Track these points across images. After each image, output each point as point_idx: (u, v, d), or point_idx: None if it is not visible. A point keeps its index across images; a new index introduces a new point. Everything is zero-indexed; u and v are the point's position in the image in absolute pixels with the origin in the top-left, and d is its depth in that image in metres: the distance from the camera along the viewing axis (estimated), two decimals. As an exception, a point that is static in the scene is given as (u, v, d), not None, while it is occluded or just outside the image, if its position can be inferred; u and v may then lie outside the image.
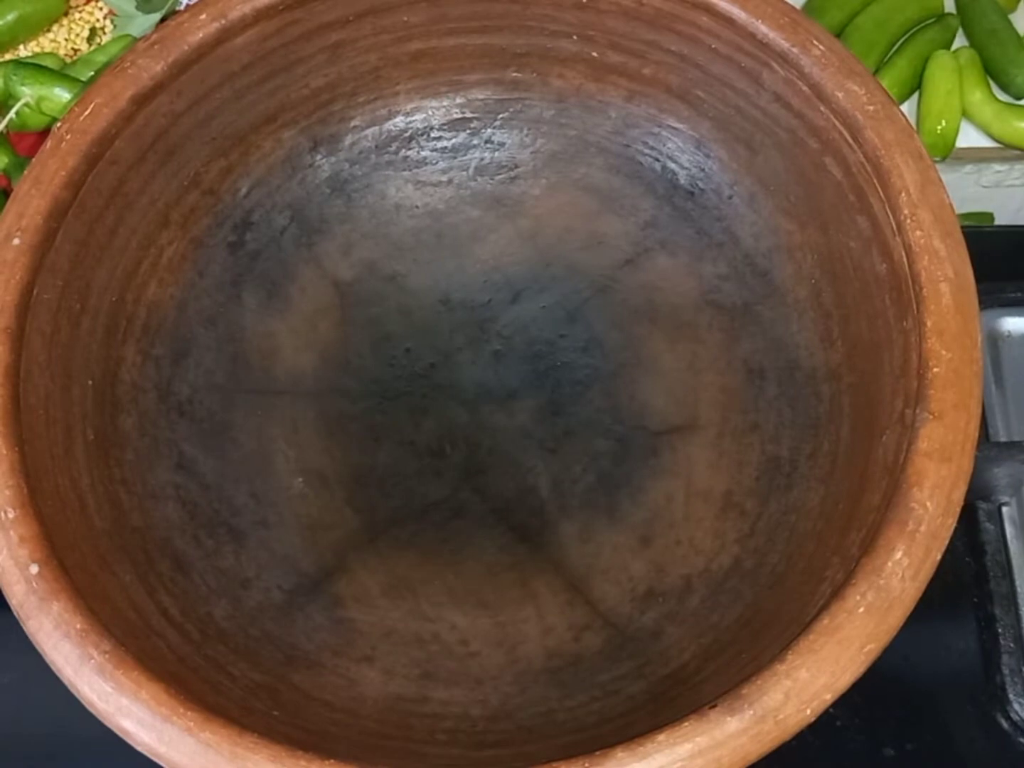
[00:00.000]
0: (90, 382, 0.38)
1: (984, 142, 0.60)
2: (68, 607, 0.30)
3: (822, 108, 0.38)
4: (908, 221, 0.34)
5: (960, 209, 0.44)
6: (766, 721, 0.28)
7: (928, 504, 0.31)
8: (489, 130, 0.47)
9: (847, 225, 0.39)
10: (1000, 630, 0.44)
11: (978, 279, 0.34)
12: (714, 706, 0.28)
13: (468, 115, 0.47)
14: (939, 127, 0.58)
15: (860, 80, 0.37)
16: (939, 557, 0.30)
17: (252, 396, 0.44)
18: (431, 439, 0.44)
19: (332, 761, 0.28)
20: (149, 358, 0.41)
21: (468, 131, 0.47)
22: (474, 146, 0.47)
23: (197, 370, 0.43)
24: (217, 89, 0.41)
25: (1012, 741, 0.43)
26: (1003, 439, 0.48)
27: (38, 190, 0.36)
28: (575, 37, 0.44)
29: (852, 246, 0.39)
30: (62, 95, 0.53)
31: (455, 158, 0.47)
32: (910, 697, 0.44)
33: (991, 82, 0.60)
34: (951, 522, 0.31)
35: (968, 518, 0.46)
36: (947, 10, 0.62)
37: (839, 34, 0.61)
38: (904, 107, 0.60)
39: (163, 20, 0.57)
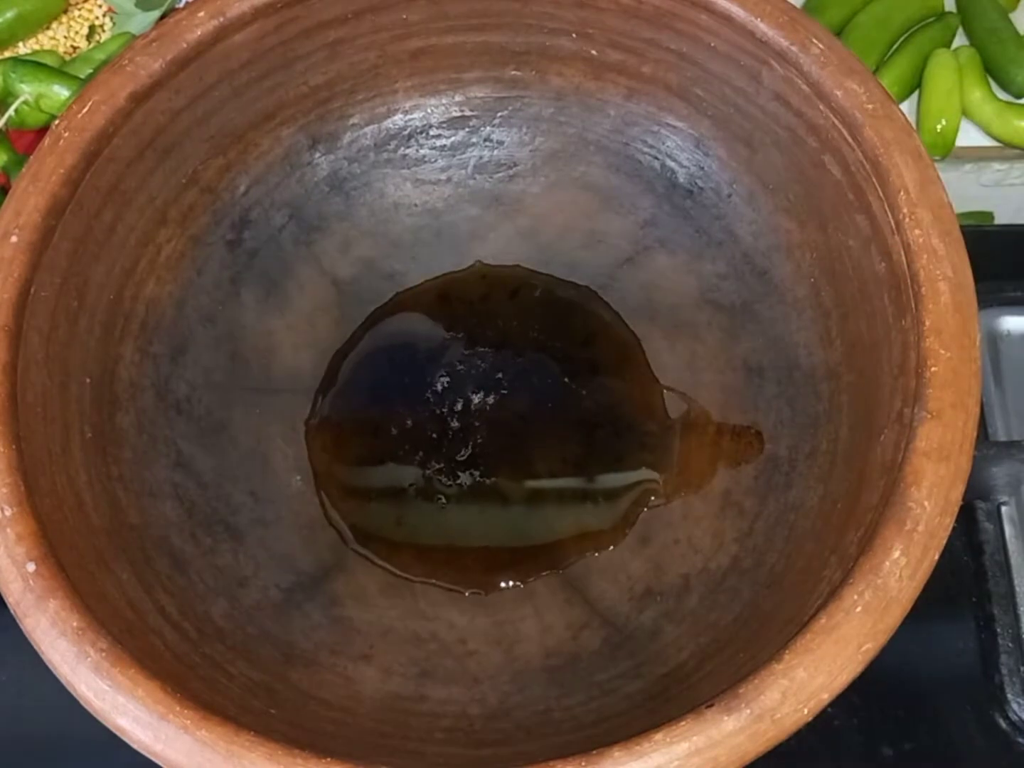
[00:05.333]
0: (88, 380, 0.38)
1: (984, 141, 0.60)
2: (65, 605, 0.30)
3: (821, 106, 0.38)
4: (907, 220, 0.34)
5: (960, 208, 0.44)
6: (763, 720, 0.28)
7: (926, 503, 0.31)
8: (488, 128, 0.47)
9: (846, 224, 0.39)
10: (999, 630, 0.44)
11: (977, 278, 0.34)
12: (711, 705, 0.28)
13: (467, 113, 0.47)
14: (939, 126, 0.58)
15: (859, 79, 0.37)
16: (937, 556, 0.30)
17: (250, 394, 0.44)
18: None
19: (329, 759, 0.28)
20: (147, 356, 0.41)
21: (467, 129, 0.47)
22: (473, 144, 0.47)
23: (195, 368, 0.43)
24: (215, 87, 0.41)
25: (1010, 741, 0.43)
26: (1002, 438, 0.48)
27: (36, 187, 0.36)
28: (574, 35, 0.44)
29: (851, 245, 0.39)
30: (61, 92, 0.53)
31: (454, 156, 0.47)
32: (908, 697, 0.44)
33: (991, 81, 0.60)
34: (949, 521, 0.31)
35: (967, 517, 0.46)
36: (947, 9, 0.62)
37: (839, 32, 0.61)
38: (904, 106, 0.60)
39: (162, 18, 0.57)
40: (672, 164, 0.45)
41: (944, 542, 0.31)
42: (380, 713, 0.36)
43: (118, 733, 0.29)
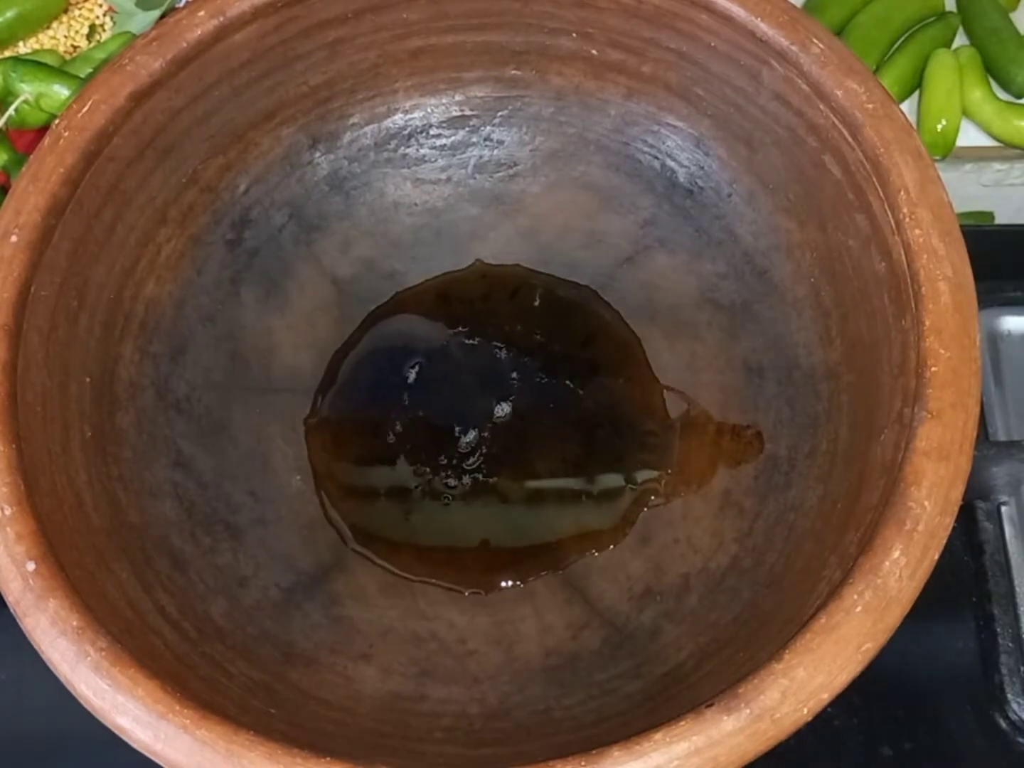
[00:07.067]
0: (88, 379, 0.38)
1: (984, 141, 0.60)
2: (64, 604, 0.30)
3: (821, 106, 0.38)
4: (907, 220, 0.34)
5: (960, 208, 0.44)
6: (763, 720, 0.28)
7: (926, 503, 0.31)
8: (488, 128, 0.47)
9: (846, 223, 0.39)
10: (999, 629, 0.44)
11: (977, 278, 0.34)
12: (711, 705, 0.28)
13: (467, 113, 0.47)
14: (939, 126, 0.58)
15: (859, 78, 0.37)
16: (937, 556, 0.30)
17: (250, 394, 0.44)
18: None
19: (329, 759, 0.28)
20: (147, 356, 0.41)
21: (467, 129, 0.47)
22: (473, 144, 0.47)
23: (195, 368, 0.43)
24: (215, 86, 0.41)
25: (1010, 741, 0.43)
26: (1002, 438, 0.48)
27: (36, 187, 0.36)
28: (574, 35, 0.44)
29: (851, 244, 0.39)
30: (61, 92, 0.53)
31: (454, 156, 0.47)
32: (908, 697, 0.44)
33: (991, 81, 0.60)
34: (949, 521, 0.31)
35: (967, 517, 0.46)
36: (948, 8, 0.62)
37: (839, 32, 0.61)
38: (904, 105, 0.60)
39: (162, 17, 0.57)
40: (672, 164, 0.45)
41: (944, 542, 0.31)
42: (380, 713, 0.36)
43: (118, 732, 0.29)
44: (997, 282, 0.51)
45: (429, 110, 0.47)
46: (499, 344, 0.46)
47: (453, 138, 0.47)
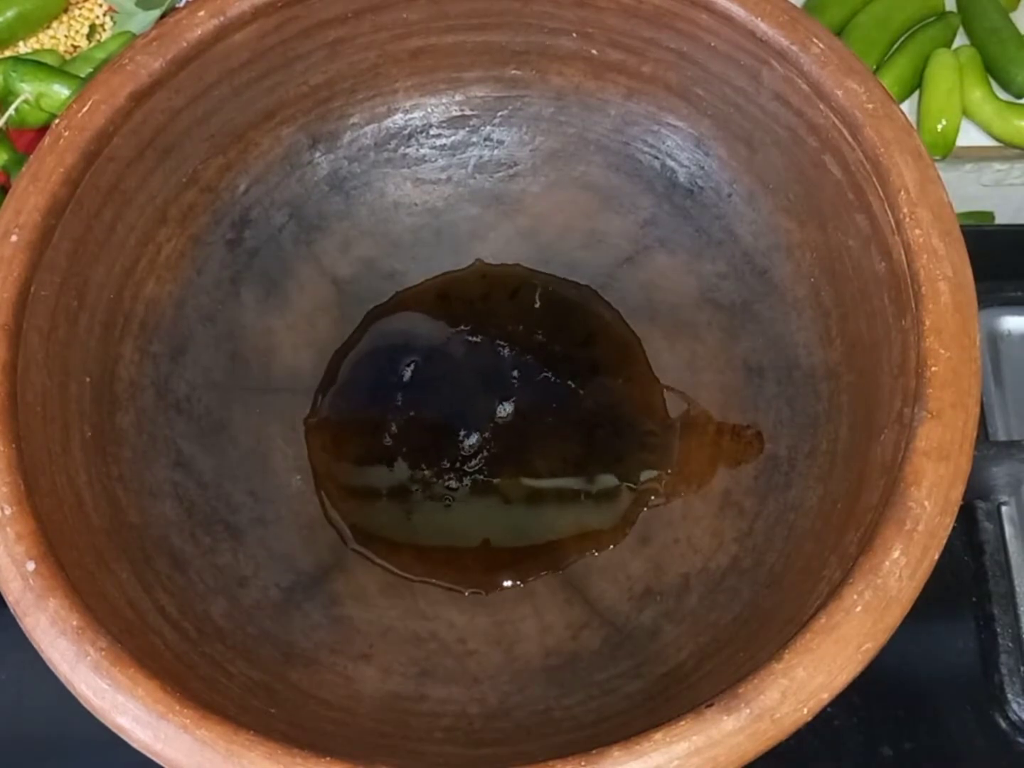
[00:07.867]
0: (88, 379, 0.38)
1: (984, 141, 0.60)
2: (64, 604, 0.30)
3: (821, 106, 0.38)
4: (907, 220, 0.34)
5: (960, 208, 0.44)
6: (763, 720, 0.28)
7: (926, 503, 0.31)
8: (488, 128, 0.47)
9: (846, 223, 0.39)
10: (999, 629, 0.44)
11: (978, 278, 0.34)
12: (711, 705, 0.28)
13: (467, 112, 0.47)
14: (939, 126, 0.58)
15: (859, 78, 0.37)
16: (937, 556, 0.30)
17: (250, 394, 0.44)
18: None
19: (329, 759, 0.28)
20: (147, 355, 0.41)
21: (467, 128, 0.47)
22: (473, 144, 0.47)
23: (195, 368, 0.43)
24: (215, 86, 0.41)
25: (1010, 740, 0.43)
26: (1002, 438, 0.48)
27: (36, 187, 0.36)
28: (574, 35, 0.44)
29: (851, 244, 0.39)
30: (61, 91, 0.53)
31: (454, 156, 0.47)
32: (908, 697, 0.44)
33: (992, 81, 0.60)
34: (949, 521, 0.31)
35: (967, 517, 0.46)
36: (948, 8, 0.62)
37: (839, 32, 0.61)
38: (904, 105, 0.60)
39: (163, 17, 0.57)
40: (672, 164, 0.45)
41: (944, 542, 0.31)
42: (380, 713, 0.36)
43: (118, 732, 0.29)
44: (997, 282, 0.51)
45: (429, 110, 0.47)
46: (500, 343, 0.46)
47: (453, 138, 0.47)
